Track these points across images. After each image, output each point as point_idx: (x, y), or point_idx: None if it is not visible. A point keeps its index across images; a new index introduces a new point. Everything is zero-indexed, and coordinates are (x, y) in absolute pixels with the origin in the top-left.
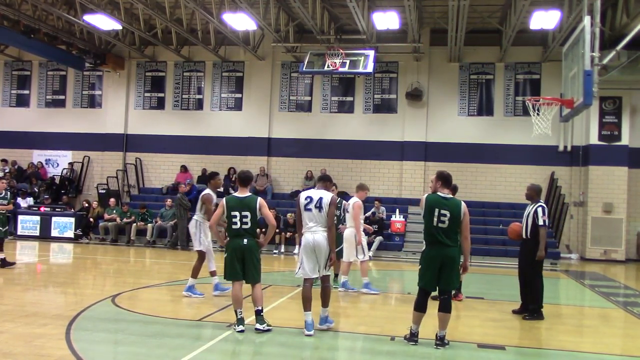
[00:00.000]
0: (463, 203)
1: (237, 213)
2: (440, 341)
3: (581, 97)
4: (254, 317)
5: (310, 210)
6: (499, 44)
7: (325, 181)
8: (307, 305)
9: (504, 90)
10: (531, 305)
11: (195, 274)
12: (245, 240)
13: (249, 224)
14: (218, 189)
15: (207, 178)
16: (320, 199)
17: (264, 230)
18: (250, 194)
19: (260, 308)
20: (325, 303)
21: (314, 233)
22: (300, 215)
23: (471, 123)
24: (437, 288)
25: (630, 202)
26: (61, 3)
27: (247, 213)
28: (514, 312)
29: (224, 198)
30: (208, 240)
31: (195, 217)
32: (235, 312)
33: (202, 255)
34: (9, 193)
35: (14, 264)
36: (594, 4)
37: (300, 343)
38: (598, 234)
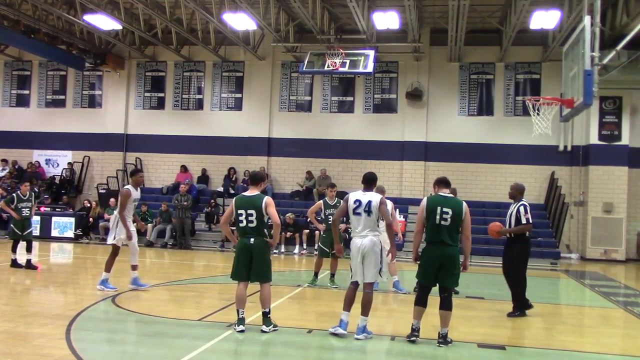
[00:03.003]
0: (464, 203)
1: (242, 212)
2: (443, 339)
3: (581, 97)
4: (254, 317)
5: (359, 214)
6: (499, 44)
7: (371, 183)
8: (346, 305)
9: (504, 90)
10: (514, 302)
11: (108, 268)
12: (253, 239)
13: (255, 223)
14: (140, 185)
15: (130, 174)
16: (369, 202)
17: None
18: (257, 192)
19: (267, 310)
20: (365, 311)
21: (363, 238)
22: (342, 210)
23: (471, 123)
24: (438, 285)
25: (630, 202)
26: (61, 3)
27: (253, 211)
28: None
29: (234, 197)
30: (123, 235)
31: (115, 212)
32: (237, 311)
33: (115, 250)
34: (33, 194)
35: (22, 266)
36: (594, 3)
37: (300, 343)
38: (598, 233)
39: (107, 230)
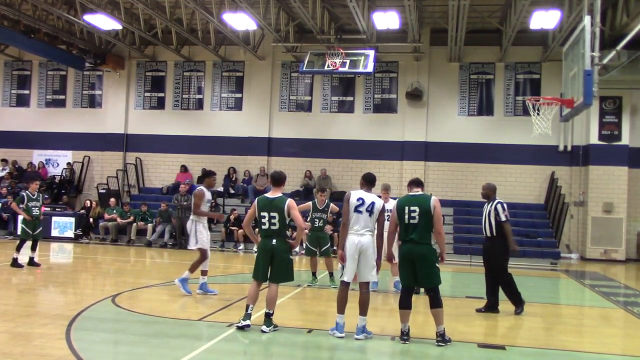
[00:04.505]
0: (434, 197)
1: (265, 214)
2: (441, 337)
3: (581, 97)
4: (254, 317)
5: (360, 212)
6: (499, 44)
7: (372, 184)
8: (341, 307)
9: (504, 90)
10: (511, 301)
11: (203, 272)
12: (274, 241)
13: (277, 225)
14: (212, 188)
15: (202, 175)
16: (372, 204)
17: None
18: (281, 195)
19: (271, 312)
20: (363, 311)
21: (361, 236)
22: (347, 212)
23: (471, 123)
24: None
25: (630, 202)
26: (61, 3)
27: (275, 214)
28: (479, 310)
29: (256, 198)
30: (205, 238)
31: (191, 216)
32: (247, 306)
33: (203, 253)
34: (40, 195)
35: (22, 266)
36: (594, 3)
37: (300, 343)
38: (598, 233)
39: (107, 230)
